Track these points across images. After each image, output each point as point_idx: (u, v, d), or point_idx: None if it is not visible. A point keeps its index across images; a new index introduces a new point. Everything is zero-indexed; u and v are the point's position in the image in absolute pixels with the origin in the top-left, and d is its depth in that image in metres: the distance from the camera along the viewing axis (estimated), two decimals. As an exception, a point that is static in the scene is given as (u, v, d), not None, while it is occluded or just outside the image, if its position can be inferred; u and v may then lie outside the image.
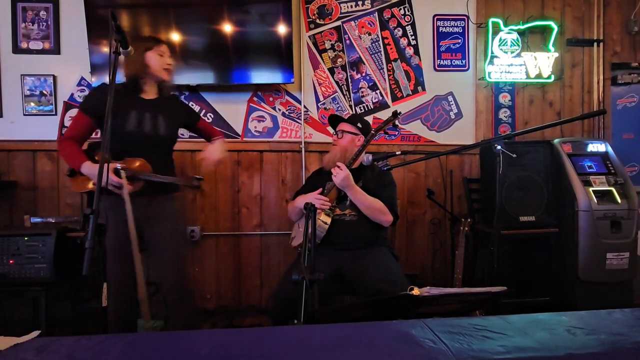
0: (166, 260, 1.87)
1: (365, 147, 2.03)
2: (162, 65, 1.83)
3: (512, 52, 2.92)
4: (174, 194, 1.92)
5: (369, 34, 2.91)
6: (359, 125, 2.13)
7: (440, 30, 2.96)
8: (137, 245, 1.59)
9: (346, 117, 2.20)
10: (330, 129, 2.41)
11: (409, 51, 2.94)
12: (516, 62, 2.92)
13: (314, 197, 1.97)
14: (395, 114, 2.05)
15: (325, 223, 1.93)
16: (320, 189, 2.03)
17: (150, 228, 1.83)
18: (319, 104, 2.90)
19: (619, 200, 2.44)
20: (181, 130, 2.77)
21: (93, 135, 2.72)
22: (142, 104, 1.83)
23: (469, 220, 2.54)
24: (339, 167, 1.91)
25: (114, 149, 1.69)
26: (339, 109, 2.90)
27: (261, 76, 2.71)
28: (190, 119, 2.06)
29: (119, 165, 1.65)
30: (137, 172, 1.72)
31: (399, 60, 2.93)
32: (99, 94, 1.75)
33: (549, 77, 2.93)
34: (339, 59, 2.91)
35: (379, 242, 2.02)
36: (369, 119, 2.88)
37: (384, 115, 2.90)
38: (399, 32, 2.93)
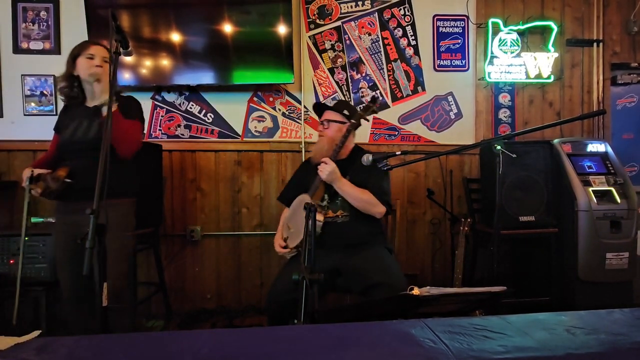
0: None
1: (347, 138, 1.96)
2: (88, 69, 1.72)
3: (511, 53, 2.92)
4: (112, 200, 1.53)
5: (369, 34, 2.91)
6: (346, 112, 2.04)
7: (440, 30, 2.96)
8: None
9: (333, 105, 2.10)
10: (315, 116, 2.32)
11: (409, 51, 2.94)
12: (516, 62, 2.92)
13: (278, 248, 2.05)
14: (374, 99, 2.04)
15: (319, 221, 1.87)
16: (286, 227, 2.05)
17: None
18: (319, 104, 2.90)
19: (618, 200, 2.44)
20: (181, 131, 2.83)
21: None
22: (83, 112, 1.77)
23: (468, 220, 2.54)
24: (324, 162, 1.90)
25: (61, 158, 1.76)
26: (339, 109, 2.90)
27: (261, 76, 2.71)
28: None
29: (31, 171, 1.65)
30: (46, 177, 1.64)
31: (398, 60, 2.93)
32: (60, 114, 1.87)
33: (548, 77, 2.93)
34: (339, 59, 2.91)
35: (374, 240, 1.99)
36: (368, 119, 2.88)
37: (384, 115, 2.90)
38: (399, 32, 2.93)
